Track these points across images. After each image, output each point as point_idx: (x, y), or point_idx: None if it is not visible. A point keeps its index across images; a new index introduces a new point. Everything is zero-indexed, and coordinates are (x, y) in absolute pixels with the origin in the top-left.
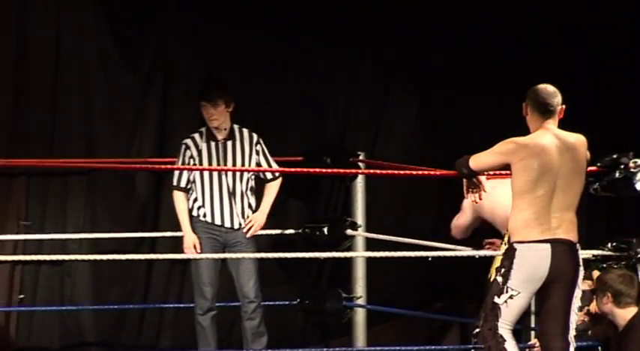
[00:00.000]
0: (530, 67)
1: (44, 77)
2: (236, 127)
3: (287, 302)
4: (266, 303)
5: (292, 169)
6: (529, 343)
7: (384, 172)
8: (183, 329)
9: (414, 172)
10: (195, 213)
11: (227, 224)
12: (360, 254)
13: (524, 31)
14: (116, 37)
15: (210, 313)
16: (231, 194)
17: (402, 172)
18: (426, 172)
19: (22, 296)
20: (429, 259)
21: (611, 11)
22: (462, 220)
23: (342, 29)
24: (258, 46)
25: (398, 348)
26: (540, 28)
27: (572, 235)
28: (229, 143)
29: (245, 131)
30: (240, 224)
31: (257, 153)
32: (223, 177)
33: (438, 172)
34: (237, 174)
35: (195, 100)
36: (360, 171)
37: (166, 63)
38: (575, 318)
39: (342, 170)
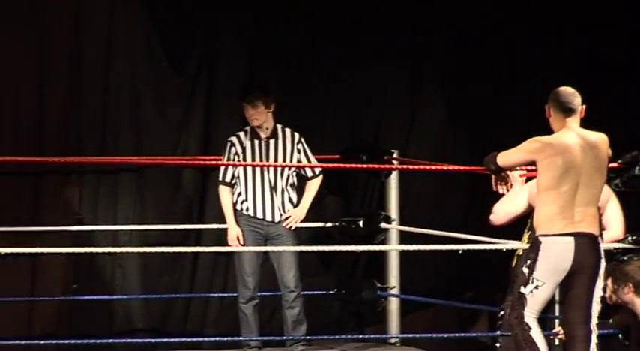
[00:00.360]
0: (553, 68)
1: (95, 81)
2: (279, 126)
3: (325, 292)
4: (305, 292)
5: (331, 165)
6: (553, 330)
7: (416, 167)
8: (227, 317)
9: (445, 168)
10: (238, 207)
11: (268, 218)
12: (393, 247)
13: (551, 33)
14: (163, 40)
15: (252, 301)
16: (273, 189)
17: (433, 168)
18: (455, 168)
19: (75, 286)
20: (460, 252)
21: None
22: (514, 207)
23: (378, 36)
24: (299, 50)
25: (430, 335)
26: (566, 30)
27: (594, 229)
28: (272, 142)
29: (287, 131)
30: (280, 218)
31: (298, 151)
32: (265, 173)
33: (467, 168)
34: (279, 170)
35: (238, 100)
36: (393, 167)
37: (211, 65)
38: (597, 307)
39: (376, 167)
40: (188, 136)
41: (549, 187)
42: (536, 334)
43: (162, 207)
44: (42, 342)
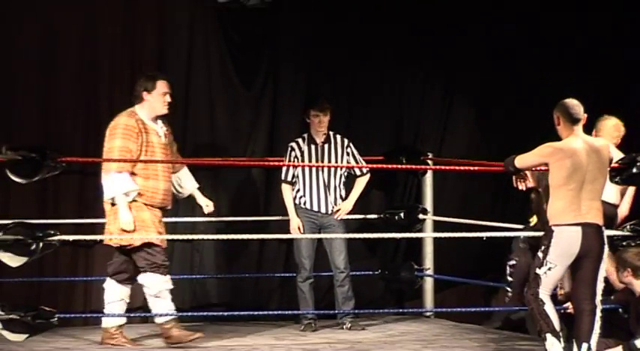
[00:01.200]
0: (560, 81)
1: (178, 94)
2: (331, 133)
3: (370, 273)
4: (353, 273)
5: (376, 166)
6: (564, 305)
7: (448, 168)
8: (288, 294)
9: (472, 168)
10: (297, 201)
11: (322, 210)
12: (429, 234)
13: (566, 45)
14: (234, 60)
15: (308, 280)
16: (327, 187)
17: (462, 168)
18: (482, 168)
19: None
20: (484, 238)
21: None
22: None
23: (415, 52)
24: (349, 67)
25: (459, 309)
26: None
27: (598, 220)
28: (326, 146)
29: (338, 136)
30: (332, 210)
31: (348, 154)
32: (320, 173)
33: (491, 168)
34: (332, 170)
35: (305, 109)
36: (429, 167)
37: (275, 81)
38: (601, 286)
39: (414, 167)
40: (255, 141)
41: (560, 184)
42: (549, 308)
43: (234, 201)
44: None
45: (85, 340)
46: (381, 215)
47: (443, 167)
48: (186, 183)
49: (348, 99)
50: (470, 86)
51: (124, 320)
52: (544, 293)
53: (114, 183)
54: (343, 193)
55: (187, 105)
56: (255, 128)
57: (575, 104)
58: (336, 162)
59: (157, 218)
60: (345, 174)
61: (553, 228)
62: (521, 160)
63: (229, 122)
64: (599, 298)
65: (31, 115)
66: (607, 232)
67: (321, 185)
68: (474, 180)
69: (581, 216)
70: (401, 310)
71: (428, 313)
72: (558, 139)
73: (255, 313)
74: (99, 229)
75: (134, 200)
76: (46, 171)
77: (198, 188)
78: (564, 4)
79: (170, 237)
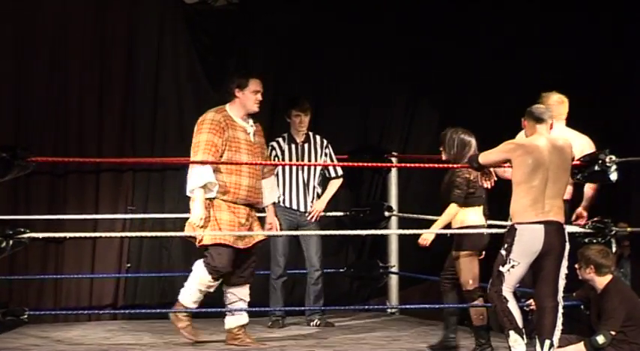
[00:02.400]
0: (523, 81)
1: (147, 95)
2: (311, 133)
3: (337, 270)
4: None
5: (343, 163)
6: (526, 302)
7: (413, 165)
8: (259, 290)
9: (436, 165)
10: (276, 200)
11: (302, 209)
12: (393, 231)
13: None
14: (203, 61)
15: (282, 278)
16: (306, 185)
17: (426, 165)
18: (446, 166)
19: (129, 265)
20: (448, 235)
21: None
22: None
23: (381, 52)
24: (316, 72)
25: (424, 306)
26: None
27: (560, 218)
28: (306, 146)
29: (318, 136)
30: (310, 208)
31: (326, 155)
32: (300, 172)
33: (455, 166)
34: (312, 170)
35: (287, 109)
36: (393, 165)
37: None
38: (563, 283)
39: (379, 164)
40: None
41: (522, 181)
42: (512, 305)
43: None
44: (101, 312)
45: (55, 337)
46: (347, 213)
47: (408, 164)
48: (266, 193)
49: (315, 99)
50: (435, 87)
51: (246, 320)
52: (507, 290)
53: (193, 176)
54: (320, 192)
55: (156, 106)
56: None
57: (541, 107)
58: (316, 161)
59: (240, 218)
60: (322, 174)
61: (516, 226)
62: (485, 157)
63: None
64: (561, 295)
65: (1, 115)
66: (569, 229)
67: (300, 184)
68: (437, 178)
69: (544, 214)
70: (366, 307)
71: (392, 310)
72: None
73: (222, 309)
74: (69, 226)
75: (216, 198)
76: (16, 171)
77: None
78: (536, 4)
79: (139, 234)
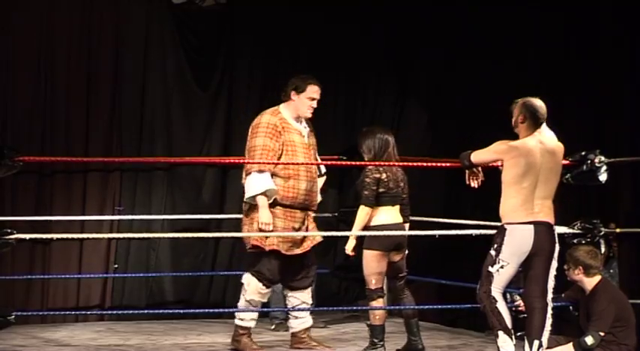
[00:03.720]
0: (513, 79)
1: (134, 94)
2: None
3: (325, 271)
4: None
5: (331, 163)
6: (515, 302)
7: (402, 164)
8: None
9: (425, 164)
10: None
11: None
12: (381, 233)
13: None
14: (191, 61)
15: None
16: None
17: (416, 163)
18: (435, 164)
19: (116, 266)
20: (437, 236)
21: None
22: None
23: (370, 53)
24: (303, 67)
25: (412, 307)
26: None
27: (550, 218)
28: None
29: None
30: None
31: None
32: None
33: (444, 165)
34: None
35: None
36: (382, 163)
37: (231, 81)
38: (552, 284)
39: (368, 163)
40: (211, 140)
41: (513, 182)
42: (502, 306)
43: (189, 199)
44: (88, 312)
45: (42, 338)
46: (336, 214)
47: (396, 163)
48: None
49: None
50: (422, 88)
51: (310, 323)
52: (496, 291)
53: (253, 183)
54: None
55: (143, 105)
56: (210, 128)
57: (540, 105)
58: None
59: (295, 223)
60: None
61: (505, 226)
62: (477, 156)
63: (185, 122)
64: (550, 295)
65: None
66: (558, 230)
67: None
68: (426, 178)
69: (534, 214)
70: (354, 308)
71: None
72: (510, 137)
73: (212, 310)
74: (56, 226)
75: (274, 203)
76: (4, 170)
77: None
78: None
79: (126, 235)
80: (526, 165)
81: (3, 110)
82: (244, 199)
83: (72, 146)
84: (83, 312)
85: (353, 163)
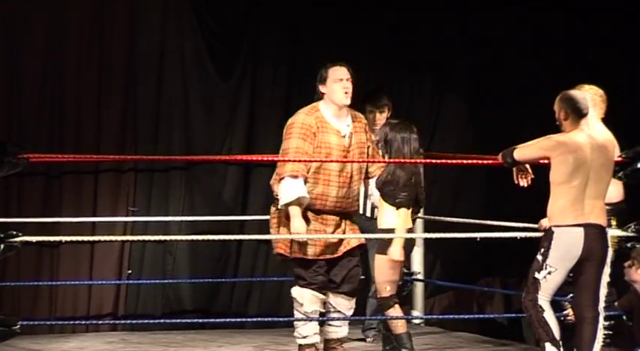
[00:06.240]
0: (554, 73)
1: (149, 87)
2: None
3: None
4: None
5: (369, 160)
6: (564, 312)
7: (440, 161)
8: (268, 299)
9: (466, 161)
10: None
11: (367, 213)
12: (418, 235)
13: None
14: (211, 50)
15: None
16: (366, 188)
17: (455, 161)
18: (476, 162)
19: (130, 271)
20: (478, 239)
21: None
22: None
23: (403, 48)
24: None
25: (451, 316)
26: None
27: (602, 220)
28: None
29: None
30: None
31: None
32: None
33: (486, 162)
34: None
35: (362, 104)
36: (419, 161)
37: (254, 72)
38: (604, 291)
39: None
40: (233, 137)
41: (561, 181)
42: (549, 315)
43: (209, 199)
44: (99, 322)
45: (49, 350)
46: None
47: (433, 161)
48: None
49: None
50: (460, 82)
51: (344, 333)
52: (543, 299)
53: (286, 190)
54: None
55: (160, 97)
56: (232, 123)
57: (581, 97)
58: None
59: (328, 226)
60: None
61: (553, 229)
62: (521, 153)
63: (204, 116)
64: (602, 304)
65: None
66: (611, 233)
67: (361, 186)
68: (466, 177)
69: (584, 216)
70: (389, 318)
71: (418, 320)
72: (557, 132)
73: (234, 320)
74: (64, 228)
75: (304, 209)
76: (7, 168)
77: None
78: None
79: (141, 238)
80: (575, 162)
81: (6, 105)
82: (278, 206)
83: (82, 144)
84: (94, 321)
85: (388, 160)
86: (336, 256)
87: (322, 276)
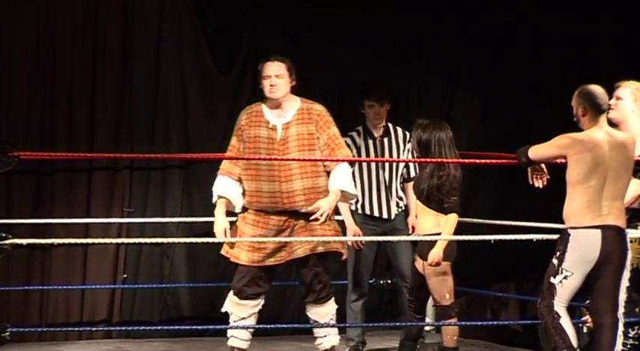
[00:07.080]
0: (568, 68)
1: (146, 81)
2: (390, 124)
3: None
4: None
5: (381, 159)
6: (582, 318)
7: (452, 161)
8: (270, 305)
9: (479, 161)
10: (353, 207)
11: (385, 215)
12: (430, 238)
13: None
14: (210, 42)
15: (364, 298)
16: (388, 188)
17: (468, 160)
18: (490, 161)
19: (125, 275)
20: (492, 242)
21: None
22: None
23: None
24: (342, 54)
25: (463, 323)
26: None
27: (620, 222)
28: (385, 140)
29: (399, 129)
30: (395, 214)
31: (408, 150)
32: (381, 172)
33: (501, 161)
34: (393, 169)
35: (360, 99)
36: (429, 160)
37: (255, 66)
38: (623, 296)
39: (415, 160)
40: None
41: (578, 181)
42: (566, 322)
43: (208, 200)
44: (93, 329)
45: None
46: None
47: (444, 160)
48: (333, 183)
49: (339, 88)
50: (473, 76)
51: (335, 341)
52: (559, 305)
53: (213, 188)
54: (402, 195)
55: (157, 92)
56: (232, 118)
57: (600, 92)
58: (399, 158)
59: (269, 229)
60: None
61: (569, 231)
62: (536, 151)
63: (203, 112)
64: (621, 310)
65: None
66: (631, 235)
67: (382, 186)
68: (479, 175)
69: (602, 217)
70: (397, 324)
71: (428, 328)
72: (574, 130)
73: (234, 326)
74: (56, 230)
75: (245, 209)
76: None
77: None
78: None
79: (137, 240)
80: (593, 161)
81: None
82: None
83: (75, 141)
84: (88, 328)
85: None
86: (278, 263)
87: (250, 283)
